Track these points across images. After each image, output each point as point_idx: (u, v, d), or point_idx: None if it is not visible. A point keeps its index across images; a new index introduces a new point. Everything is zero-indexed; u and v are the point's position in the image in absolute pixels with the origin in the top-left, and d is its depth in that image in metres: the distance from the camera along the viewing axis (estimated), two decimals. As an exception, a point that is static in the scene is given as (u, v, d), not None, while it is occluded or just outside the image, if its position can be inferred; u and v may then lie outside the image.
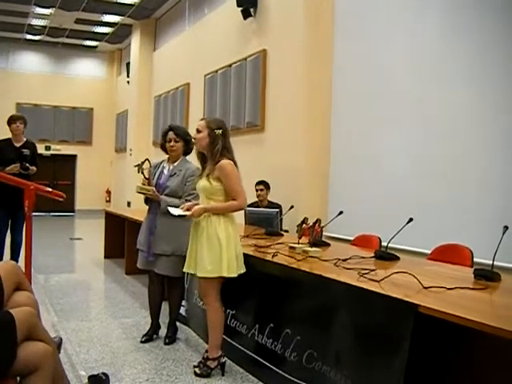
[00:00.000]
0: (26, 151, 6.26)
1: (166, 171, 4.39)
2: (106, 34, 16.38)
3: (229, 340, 3.99)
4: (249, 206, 5.70)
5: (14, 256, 6.23)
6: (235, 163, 3.69)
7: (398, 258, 3.80)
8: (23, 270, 3.17)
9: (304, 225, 4.27)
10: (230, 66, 9.37)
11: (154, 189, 4.23)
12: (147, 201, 4.41)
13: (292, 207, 5.19)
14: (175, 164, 4.37)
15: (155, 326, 4.51)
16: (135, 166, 4.31)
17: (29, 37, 16.75)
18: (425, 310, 2.40)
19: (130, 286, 6.56)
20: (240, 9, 8.55)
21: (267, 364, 3.57)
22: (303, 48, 7.25)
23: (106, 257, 8.50)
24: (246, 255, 3.81)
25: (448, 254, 4.14)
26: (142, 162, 4.27)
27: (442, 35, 5.41)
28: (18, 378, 2.46)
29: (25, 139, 6.46)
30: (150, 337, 4.43)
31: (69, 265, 8.65)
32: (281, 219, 5.53)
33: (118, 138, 17.51)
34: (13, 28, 15.71)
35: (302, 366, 3.22)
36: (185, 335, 4.59)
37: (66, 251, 10.05)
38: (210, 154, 3.67)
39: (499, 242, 2.99)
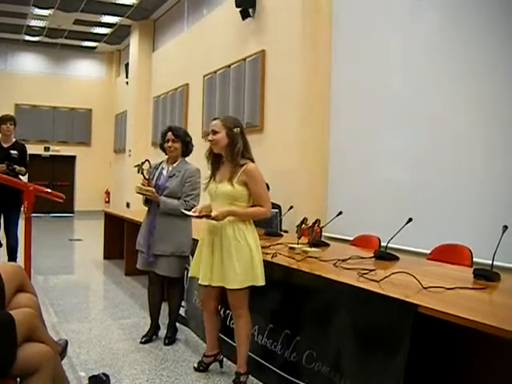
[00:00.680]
0: (15, 153, 6.26)
1: (165, 172, 4.39)
2: (104, 34, 16.37)
3: (228, 341, 3.99)
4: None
5: (12, 258, 6.23)
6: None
7: (397, 258, 3.80)
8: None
9: (303, 225, 4.28)
10: (228, 66, 9.38)
11: (153, 189, 4.23)
12: (147, 202, 4.41)
13: (291, 208, 5.20)
14: (174, 165, 4.37)
15: (155, 327, 4.51)
16: (135, 167, 4.31)
17: (27, 38, 16.73)
18: (424, 310, 2.41)
19: (130, 287, 6.56)
20: (239, 9, 8.55)
21: (267, 364, 3.58)
22: (302, 48, 7.25)
23: (105, 258, 8.49)
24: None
25: (447, 253, 4.14)
26: (142, 163, 4.27)
27: (440, 35, 5.41)
28: (18, 379, 2.46)
29: (14, 140, 6.45)
30: (149, 337, 4.43)
31: (68, 266, 8.65)
32: (280, 220, 5.53)
33: (116, 139, 17.50)
34: (11, 29, 15.70)
35: (302, 366, 3.22)
36: (184, 336, 4.59)
37: (66, 252, 10.04)
38: (229, 155, 3.43)
39: (499, 242, 2.99)
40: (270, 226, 5.22)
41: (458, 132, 5.16)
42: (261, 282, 3.39)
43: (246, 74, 8.68)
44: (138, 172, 4.26)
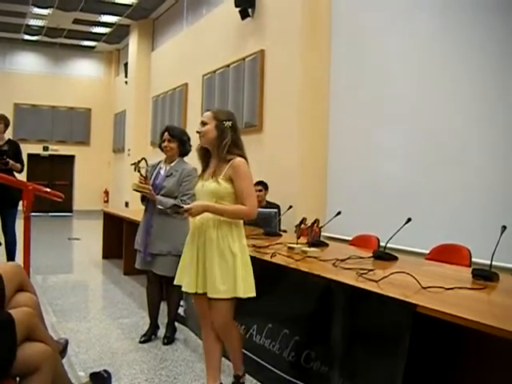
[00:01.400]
0: (6, 147, 6.26)
1: (162, 171, 4.40)
2: (103, 34, 16.37)
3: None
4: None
5: (10, 257, 6.22)
6: (247, 161, 3.21)
7: (396, 258, 3.80)
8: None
9: (302, 225, 4.28)
10: (228, 66, 9.37)
11: (150, 187, 4.24)
12: (143, 199, 4.42)
13: (290, 207, 5.20)
14: (172, 164, 4.38)
15: (154, 327, 4.51)
16: (132, 165, 4.33)
17: (27, 37, 16.73)
18: (423, 309, 2.41)
19: (129, 287, 6.56)
20: (238, 9, 8.55)
21: (265, 364, 3.58)
22: (301, 48, 7.25)
23: (104, 257, 8.50)
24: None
25: (446, 253, 4.15)
26: (139, 161, 4.28)
27: (439, 33, 5.41)
28: (18, 379, 2.46)
29: (7, 138, 6.45)
30: (148, 337, 4.44)
31: (67, 265, 8.65)
32: (279, 219, 5.53)
33: (115, 139, 17.50)
34: (11, 28, 15.70)
35: (301, 366, 3.23)
36: (183, 335, 4.60)
37: (64, 252, 10.04)
38: (216, 150, 3.16)
39: (497, 242, 3.00)
40: (268, 226, 5.22)
41: (458, 132, 5.16)
42: (243, 293, 3.05)
43: (245, 74, 8.68)
44: (135, 170, 4.27)
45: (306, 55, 7.23)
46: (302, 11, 7.26)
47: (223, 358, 3.68)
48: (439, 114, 5.36)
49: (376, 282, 2.91)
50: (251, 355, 3.70)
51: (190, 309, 4.76)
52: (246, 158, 3.19)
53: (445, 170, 5.27)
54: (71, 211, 17.88)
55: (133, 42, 15.21)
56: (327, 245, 4.53)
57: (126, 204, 13.67)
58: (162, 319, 4.57)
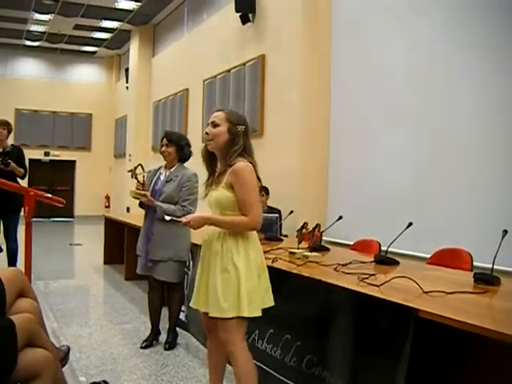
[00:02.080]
0: (9, 148, 6.25)
1: (162, 177, 4.40)
2: (104, 39, 16.41)
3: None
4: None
5: (12, 263, 6.22)
6: (255, 167, 2.89)
7: (397, 263, 3.80)
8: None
9: (304, 230, 4.28)
10: (228, 71, 9.39)
11: (147, 193, 4.24)
12: (141, 205, 4.42)
13: (291, 212, 5.20)
14: (171, 170, 4.38)
15: (155, 332, 4.50)
16: (129, 172, 4.35)
17: (28, 43, 16.78)
18: (425, 314, 2.40)
19: (130, 292, 6.56)
20: (238, 14, 8.57)
21: (267, 369, 3.57)
22: (302, 53, 7.27)
23: (105, 262, 8.49)
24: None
25: (448, 258, 4.14)
26: (135, 167, 4.30)
27: (441, 36, 5.41)
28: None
29: (10, 144, 6.45)
30: (149, 342, 4.43)
31: (68, 270, 8.65)
32: (280, 224, 5.53)
33: (116, 144, 17.52)
34: (12, 34, 15.74)
35: (302, 371, 3.22)
36: (185, 340, 4.59)
37: (66, 257, 10.05)
38: (224, 155, 2.87)
39: (499, 246, 2.99)
40: (270, 231, 5.22)
41: (459, 136, 5.15)
42: (254, 313, 2.80)
43: (246, 79, 8.70)
44: (132, 177, 4.28)
45: (307, 60, 7.24)
46: (302, 16, 7.27)
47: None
48: (441, 117, 5.36)
49: (377, 286, 2.90)
50: (253, 360, 3.69)
51: (192, 314, 4.75)
52: (254, 164, 2.88)
53: (446, 174, 5.27)
54: (72, 216, 17.88)
55: (134, 47, 15.25)
56: (328, 249, 4.52)
57: (128, 209, 13.67)
58: (164, 324, 4.57)
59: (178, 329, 4.58)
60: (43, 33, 15.62)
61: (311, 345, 3.20)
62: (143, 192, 4.23)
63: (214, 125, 2.88)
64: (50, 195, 4.42)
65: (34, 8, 13.18)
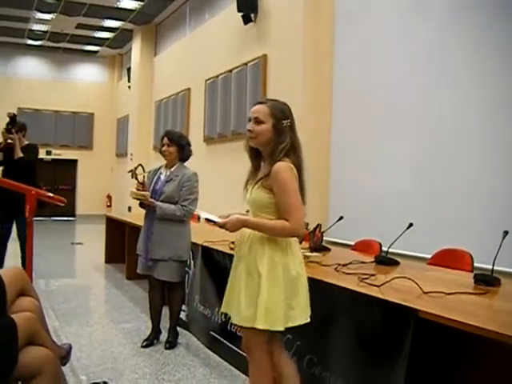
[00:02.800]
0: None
1: (162, 177, 4.40)
2: (106, 39, 16.43)
3: (229, 344, 3.99)
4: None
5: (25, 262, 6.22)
6: (300, 167, 2.64)
7: (398, 263, 3.80)
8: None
9: (305, 230, 4.28)
10: (230, 71, 9.40)
11: (148, 194, 4.24)
12: (142, 204, 4.42)
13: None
14: (172, 169, 4.38)
15: (156, 331, 4.51)
16: (129, 172, 4.35)
17: (30, 42, 16.81)
18: (425, 315, 2.41)
19: (131, 291, 6.56)
20: (240, 14, 8.58)
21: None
22: (303, 53, 7.27)
23: (106, 262, 8.50)
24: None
25: (448, 258, 4.14)
26: (135, 168, 4.30)
27: (444, 43, 5.41)
28: (20, 383, 2.47)
29: (26, 142, 6.53)
30: (150, 342, 4.44)
31: (70, 270, 8.67)
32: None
33: (118, 143, 17.54)
34: (14, 33, 15.77)
35: (303, 370, 3.22)
36: (185, 340, 4.60)
37: (67, 256, 10.06)
38: (270, 153, 2.61)
39: (499, 247, 3.00)
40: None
41: (459, 138, 5.16)
42: (262, 324, 2.51)
43: (248, 79, 8.70)
44: (132, 177, 4.28)
45: (309, 60, 7.24)
46: (304, 16, 7.27)
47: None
48: (440, 120, 5.36)
49: (378, 286, 2.91)
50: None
51: (192, 313, 4.76)
52: (298, 162, 2.64)
53: (446, 176, 5.27)
54: (74, 216, 17.91)
55: (136, 46, 15.26)
56: (329, 250, 4.52)
57: (129, 208, 13.67)
58: (164, 324, 4.57)
59: (178, 328, 4.58)
60: (45, 32, 15.64)
61: (311, 345, 3.20)
62: (143, 193, 4.23)
63: (258, 121, 2.62)
64: (51, 194, 4.42)
65: (36, 7, 13.20)
